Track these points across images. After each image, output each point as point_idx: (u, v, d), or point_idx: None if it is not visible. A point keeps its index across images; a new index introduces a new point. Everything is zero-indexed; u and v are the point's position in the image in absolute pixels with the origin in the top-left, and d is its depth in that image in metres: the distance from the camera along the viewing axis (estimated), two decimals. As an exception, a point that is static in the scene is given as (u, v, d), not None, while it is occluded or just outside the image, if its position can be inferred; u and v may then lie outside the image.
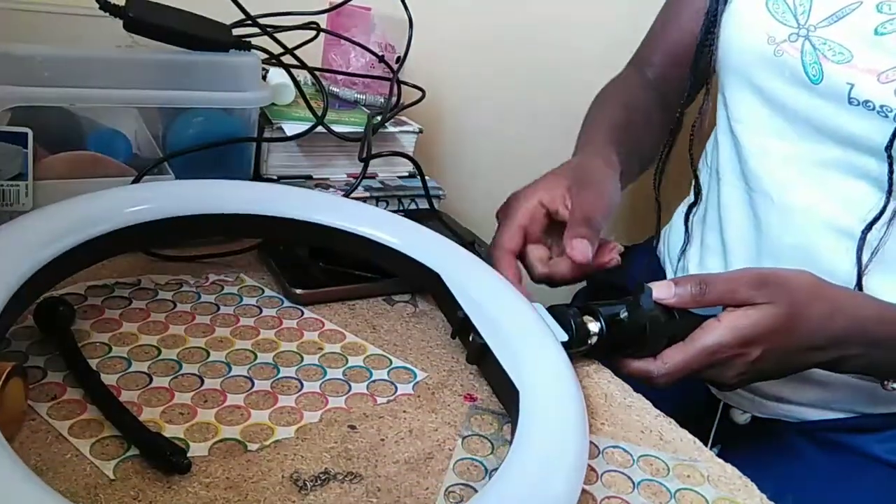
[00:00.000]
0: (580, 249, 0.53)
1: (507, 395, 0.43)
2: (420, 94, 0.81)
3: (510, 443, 0.38)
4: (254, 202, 0.55)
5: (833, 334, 0.52)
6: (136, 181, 0.61)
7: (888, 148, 0.57)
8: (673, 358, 0.51)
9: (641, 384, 0.53)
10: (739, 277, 0.52)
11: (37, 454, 0.42)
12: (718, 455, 0.52)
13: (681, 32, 0.78)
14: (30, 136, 0.57)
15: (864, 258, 0.61)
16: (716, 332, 0.50)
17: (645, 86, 0.80)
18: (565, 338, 0.50)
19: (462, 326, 0.51)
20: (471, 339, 0.50)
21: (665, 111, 0.79)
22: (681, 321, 0.52)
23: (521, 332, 0.47)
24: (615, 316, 0.52)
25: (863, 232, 0.61)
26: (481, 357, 0.49)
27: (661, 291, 0.51)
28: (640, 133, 0.74)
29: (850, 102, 0.59)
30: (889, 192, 0.59)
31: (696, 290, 0.51)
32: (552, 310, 0.53)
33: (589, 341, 0.52)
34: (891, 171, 0.58)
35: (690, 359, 0.50)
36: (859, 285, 0.62)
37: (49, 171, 0.60)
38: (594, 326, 0.52)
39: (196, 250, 0.65)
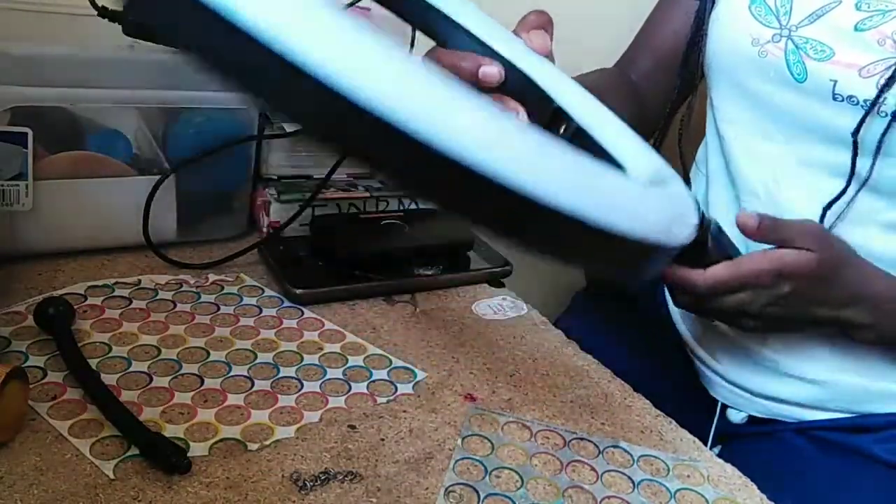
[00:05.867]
0: (538, 41, 0.57)
1: None
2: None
3: None
4: None
5: (859, 292, 0.58)
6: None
7: (854, 133, 0.59)
8: (716, 273, 0.54)
9: (681, 293, 0.56)
10: (797, 225, 0.56)
11: (37, 454, 0.42)
12: (718, 455, 0.52)
13: (667, 36, 0.79)
14: (30, 136, 0.57)
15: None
16: (759, 259, 0.54)
17: (625, 82, 0.80)
18: None
19: (552, 119, 0.50)
20: (562, 129, 0.50)
21: (641, 110, 0.79)
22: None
23: (619, 130, 0.49)
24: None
25: (823, 212, 0.62)
26: (576, 142, 0.49)
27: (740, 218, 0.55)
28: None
29: (834, 98, 0.61)
30: (852, 175, 0.60)
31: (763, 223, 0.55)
32: None
33: None
34: (854, 155, 0.60)
35: (731, 276, 0.54)
36: None
37: (49, 171, 0.60)
38: None
39: (196, 252, 0.65)
